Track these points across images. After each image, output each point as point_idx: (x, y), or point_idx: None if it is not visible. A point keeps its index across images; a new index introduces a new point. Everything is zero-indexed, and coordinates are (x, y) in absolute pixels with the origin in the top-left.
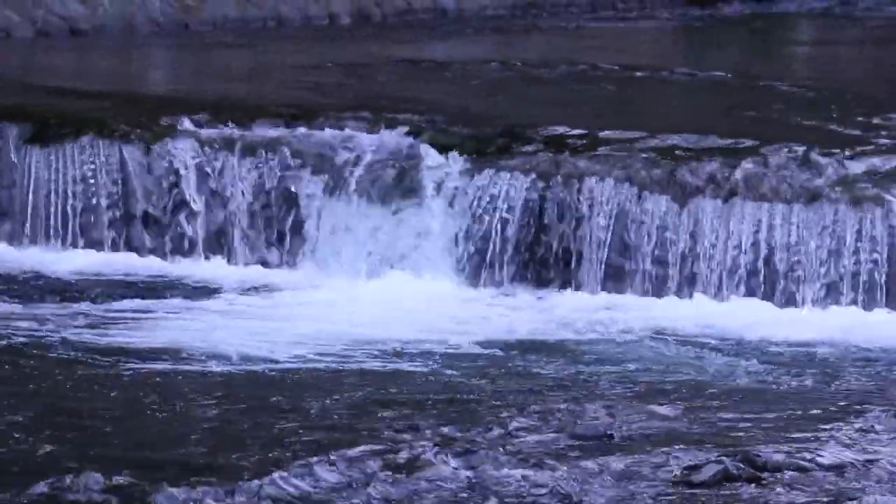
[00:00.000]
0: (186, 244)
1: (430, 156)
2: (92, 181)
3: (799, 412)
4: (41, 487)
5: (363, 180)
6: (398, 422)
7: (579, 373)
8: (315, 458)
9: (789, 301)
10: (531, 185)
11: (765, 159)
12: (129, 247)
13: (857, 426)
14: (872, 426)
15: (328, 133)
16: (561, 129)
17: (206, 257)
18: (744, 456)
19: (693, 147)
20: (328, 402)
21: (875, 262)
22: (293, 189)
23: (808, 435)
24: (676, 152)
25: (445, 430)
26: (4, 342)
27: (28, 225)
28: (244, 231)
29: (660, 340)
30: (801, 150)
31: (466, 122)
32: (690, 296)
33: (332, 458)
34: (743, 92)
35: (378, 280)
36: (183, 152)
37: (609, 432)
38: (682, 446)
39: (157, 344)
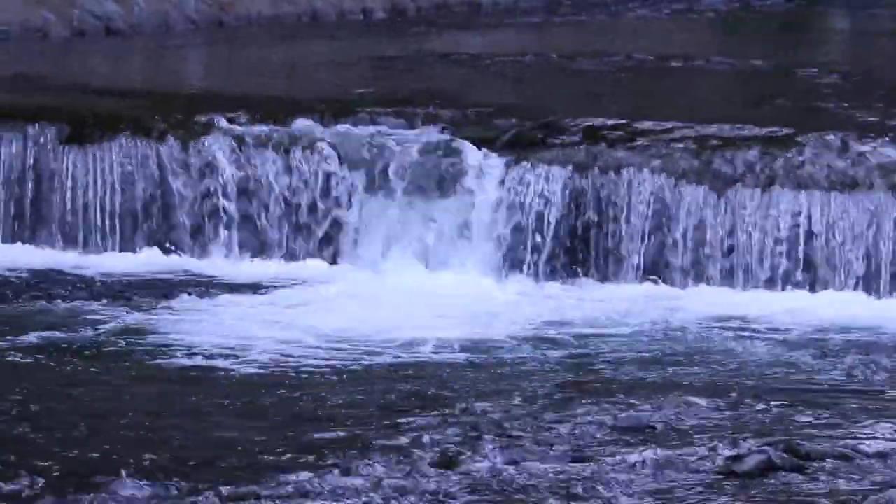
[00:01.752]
0: (224, 242)
1: (468, 150)
2: (129, 180)
3: (841, 400)
4: (78, 493)
5: (401, 176)
6: (437, 416)
7: (620, 365)
8: (354, 454)
9: (829, 289)
10: (569, 178)
11: (803, 148)
12: (167, 246)
13: None
14: None
15: (365, 129)
16: (597, 121)
17: (244, 255)
18: (787, 445)
19: (730, 136)
20: (366, 398)
21: None
22: (331, 186)
23: (852, 423)
24: (713, 142)
25: (485, 423)
26: (44, 344)
27: (67, 225)
28: (282, 228)
29: (700, 331)
30: (839, 137)
31: (503, 115)
32: (730, 285)
33: (371, 453)
34: (780, 80)
35: (417, 275)
36: (219, 150)
37: (651, 424)
38: (724, 436)
39: (193, 344)
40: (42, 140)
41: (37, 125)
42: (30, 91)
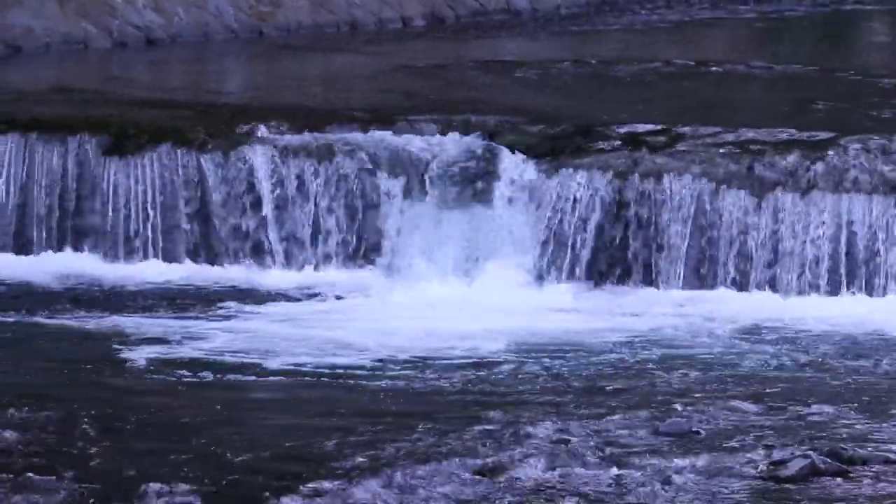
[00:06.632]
0: (265, 251)
1: (507, 156)
2: (170, 190)
3: (885, 405)
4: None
5: (440, 182)
6: (481, 422)
7: (662, 369)
8: (396, 461)
9: (871, 293)
10: (609, 184)
11: (843, 151)
12: (208, 255)
13: None
14: None
15: (404, 136)
16: (637, 127)
17: (285, 263)
18: (830, 450)
19: (770, 141)
20: (409, 402)
21: None
22: (371, 193)
23: (894, 427)
24: (754, 147)
25: (530, 429)
26: (83, 352)
27: (109, 235)
28: (322, 236)
29: (741, 335)
30: (879, 141)
31: (542, 121)
32: (771, 290)
33: (414, 459)
34: (819, 84)
35: (457, 281)
36: (260, 159)
37: (694, 429)
38: (768, 442)
39: (234, 352)
40: (83, 151)
41: (78, 136)
42: (71, 103)
